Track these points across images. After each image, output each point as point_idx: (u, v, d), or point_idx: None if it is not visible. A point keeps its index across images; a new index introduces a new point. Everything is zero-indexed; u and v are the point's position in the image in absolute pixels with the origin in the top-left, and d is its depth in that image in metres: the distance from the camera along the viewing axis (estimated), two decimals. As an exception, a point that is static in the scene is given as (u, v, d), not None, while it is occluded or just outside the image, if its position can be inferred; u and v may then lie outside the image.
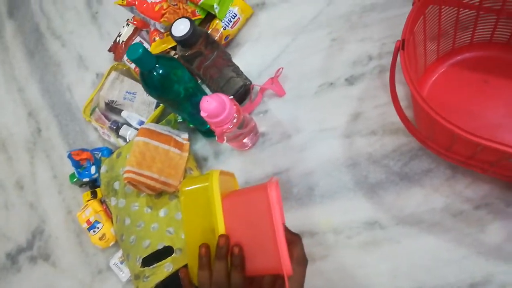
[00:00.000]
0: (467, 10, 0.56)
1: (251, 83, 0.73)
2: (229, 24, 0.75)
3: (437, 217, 0.57)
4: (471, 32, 0.60)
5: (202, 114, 0.58)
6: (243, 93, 0.72)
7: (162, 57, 0.59)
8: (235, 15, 0.75)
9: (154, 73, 0.57)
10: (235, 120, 0.61)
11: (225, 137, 0.64)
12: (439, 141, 0.53)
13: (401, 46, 0.49)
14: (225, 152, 0.72)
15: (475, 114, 0.59)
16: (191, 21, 0.57)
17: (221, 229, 0.42)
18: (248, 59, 0.77)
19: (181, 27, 0.58)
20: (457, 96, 0.61)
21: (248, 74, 0.75)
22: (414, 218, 0.58)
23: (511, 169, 0.50)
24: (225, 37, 0.76)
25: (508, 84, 0.59)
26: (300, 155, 0.67)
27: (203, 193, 0.44)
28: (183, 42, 0.58)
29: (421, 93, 0.45)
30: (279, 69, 0.72)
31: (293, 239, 0.44)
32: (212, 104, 0.58)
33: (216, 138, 0.64)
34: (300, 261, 0.43)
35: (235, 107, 0.62)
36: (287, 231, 0.45)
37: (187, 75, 0.62)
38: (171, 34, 0.58)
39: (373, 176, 0.62)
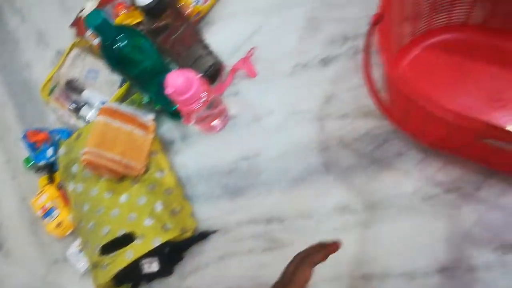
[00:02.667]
0: None
1: (221, 63, 0.69)
2: (200, 0, 0.71)
3: (408, 201, 0.55)
4: (447, 13, 0.59)
5: (168, 90, 0.54)
6: (213, 73, 0.69)
7: (127, 28, 0.55)
8: (206, -9, 0.72)
9: (117, 44, 0.53)
10: (203, 100, 0.58)
11: (192, 118, 0.60)
12: (413, 123, 0.51)
13: (377, 20, 0.47)
14: (192, 135, 0.69)
15: (449, 97, 0.58)
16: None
17: None
18: (220, 38, 0.73)
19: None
20: (432, 79, 0.60)
21: (220, 54, 0.71)
22: (385, 203, 0.56)
23: (482, 151, 0.49)
24: (196, 13, 0.72)
25: (482, 67, 0.59)
26: (271, 138, 0.65)
27: None
28: (149, 11, 0.54)
29: (394, 70, 0.43)
30: (251, 49, 0.69)
31: None
32: (179, 80, 0.54)
33: (183, 119, 0.60)
34: None
35: (203, 85, 0.58)
36: None
37: (153, 50, 0.57)
38: (135, 2, 0.53)
39: (344, 160, 0.60)
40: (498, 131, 0.40)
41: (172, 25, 0.56)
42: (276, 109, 0.66)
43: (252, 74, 0.69)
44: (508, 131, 0.39)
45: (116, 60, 0.54)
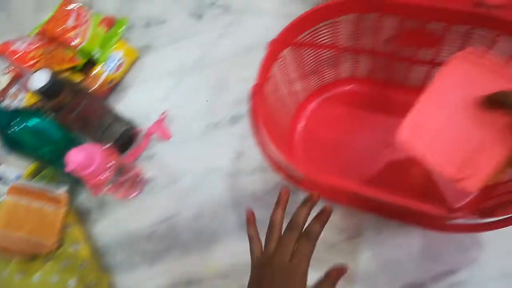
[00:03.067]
0: (325, 50, 0.60)
1: (134, 128, 0.71)
2: (112, 68, 0.73)
3: (315, 251, 0.57)
4: (334, 70, 0.64)
5: (69, 168, 0.55)
6: (126, 139, 0.70)
7: (23, 111, 0.56)
8: (118, 59, 0.74)
9: (12, 129, 0.53)
10: (110, 170, 0.59)
11: (102, 189, 0.60)
12: (305, 183, 0.54)
13: (256, 91, 0.50)
14: (110, 203, 0.68)
15: (346, 145, 0.63)
16: (50, 71, 0.55)
17: None
18: (135, 103, 0.75)
19: (40, 78, 0.54)
20: (330, 130, 0.64)
21: (135, 118, 0.73)
22: (296, 254, 0.58)
23: (369, 203, 0.53)
24: (109, 82, 0.74)
25: (373, 115, 0.64)
26: (187, 198, 0.66)
27: None
28: (44, 93, 0.55)
29: (269, 138, 0.47)
30: (164, 112, 0.71)
31: None
32: (79, 156, 0.55)
33: (91, 192, 0.60)
34: None
35: (110, 155, 0.59)
36: None
37: (55, 129, 0.58)
38: (29, 87, 0.54)
39: (257, 214, 0.61)
40: (367, 195, 0.43)
41: (71, 103, 0.57)
42: (191, 169, 0.68)
43: (166, 137, 0.70)
44: (376, 193, 0.42)
45: (14, 145, 0.54)
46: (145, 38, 0.80)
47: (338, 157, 0.62)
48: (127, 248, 0.65)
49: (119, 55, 0.74)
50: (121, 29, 0.74)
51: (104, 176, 0.58)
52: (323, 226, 0.42)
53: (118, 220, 0.68)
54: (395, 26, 0.54)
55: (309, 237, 0.41)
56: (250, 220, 0.45)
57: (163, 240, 0.64)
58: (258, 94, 0.50)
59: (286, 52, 0.55)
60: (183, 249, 0.63)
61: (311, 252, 0.40)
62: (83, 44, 0.71)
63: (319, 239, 0.57)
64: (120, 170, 0.62)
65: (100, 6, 0.85)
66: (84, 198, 0.70)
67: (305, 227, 0.43)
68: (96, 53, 0.72)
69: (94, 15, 0.74)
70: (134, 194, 0.67)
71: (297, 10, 0.64)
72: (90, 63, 0.74)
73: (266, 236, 0.44)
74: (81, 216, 0.68)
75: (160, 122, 0.71)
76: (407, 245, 0.55)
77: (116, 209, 0.68)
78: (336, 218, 0.58)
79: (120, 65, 0.74)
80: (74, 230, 0.64)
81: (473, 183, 0.37)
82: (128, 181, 0.65)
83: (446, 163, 0.38)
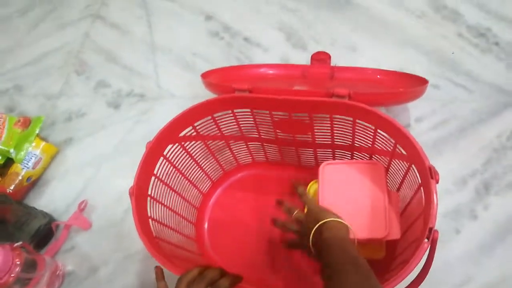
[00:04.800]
0: (210, 140, 0.64)
1: (51, 222, 0.71)
2: (30, 165, 0.76)
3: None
4: (234, 158, 0.69)
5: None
6: (44, 233, 0.70)
7: None
8: (36, 156, 0.76)
9: None
10: (18, 269, 0.58)
11: (10, 291, 0.59)
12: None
13: (132, 192, 0.53)
14: (28, 303, 0.67)
15: (248, 225, 0.66)
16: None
17: None
18: (56, 196, 0.77)
19: None
20: (234, 213, 0.68)
21: (56, 211, 0.74)
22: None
23: None
24: (27, 179, 0.75)
25: (271, 194, 0.66)
26: (107, 288, 0.65)
27: None
28: None
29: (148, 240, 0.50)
30: (82, 202, 0.73)
31: None
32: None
33: (1, 294, 0.59)
34: None
35: (19, 254, 0.59)
36: None
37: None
38: None
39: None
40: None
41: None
42: (111, 256, 0.68)
43: (85, 227, 0.71)
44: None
45: None
46: (66, 132, 0.84)
47: (241, 241, 0.65)
48: None
49: (36, 153, 0.76)
50: (37, 127, 0.78)
51: (11, 276, 0.58)
52: (231, 286, 0.44)
53: (36, 321, 0.65)
54: (268, 117, 0.59)
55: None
56: (159, 275, 0.48)
57: (82, 337, 0.62)
58: (134, 196, 0.53)
59: (172, 148, 0.59)
60: None
61: None
62: (-2, 145, 0.74)
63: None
64: (34, 266, 0.61)
65: (23, 107, 0.89)
66: (1, 302, 0.68)
67: None
68: (12, 153, 0.74)
69: (9, 117, 0.78)
70: (52, 291, 0.66)
71: (203, 92, 0.71)
72: (10, 162, 0.76)
73: None
74: (-3, 322, 0.66)
75: (78, 212, 0.72)
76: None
77: (34, 309, 0.66)
78: None
79: (37, 162, 0.76)
80: None
81: (396, 232, 0.52)
82: (46, 276, 0.64)
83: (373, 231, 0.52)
